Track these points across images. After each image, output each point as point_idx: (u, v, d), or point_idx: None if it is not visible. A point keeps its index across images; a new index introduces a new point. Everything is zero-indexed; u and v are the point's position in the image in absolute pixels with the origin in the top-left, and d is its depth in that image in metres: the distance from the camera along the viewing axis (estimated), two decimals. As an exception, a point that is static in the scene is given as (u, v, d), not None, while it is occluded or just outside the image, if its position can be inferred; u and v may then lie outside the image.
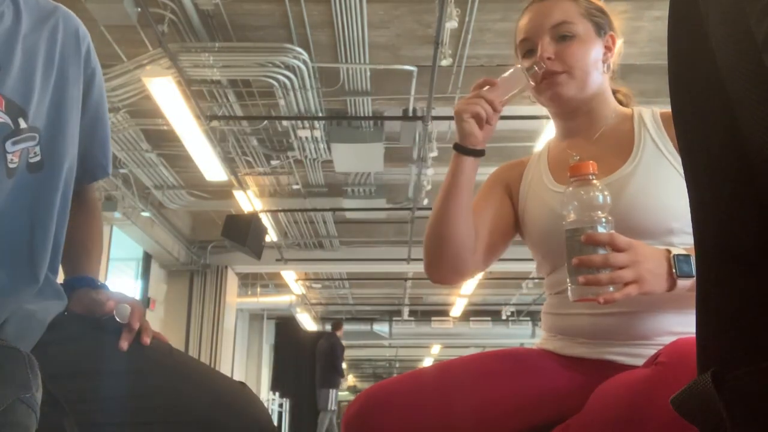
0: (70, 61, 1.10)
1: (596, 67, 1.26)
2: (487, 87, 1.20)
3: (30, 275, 0.97)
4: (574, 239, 1.03)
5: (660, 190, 1.14)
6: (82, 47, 1.14)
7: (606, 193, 1.07)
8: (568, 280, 1.04)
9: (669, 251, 1.03)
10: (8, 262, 0.95)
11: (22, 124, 0.97)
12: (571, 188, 1.08)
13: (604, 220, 1.04)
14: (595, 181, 1.08)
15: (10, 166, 0.94)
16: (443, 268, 1.26)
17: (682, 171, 1.14)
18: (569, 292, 1.04)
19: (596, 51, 1.26)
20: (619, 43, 1.31)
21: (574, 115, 1.30)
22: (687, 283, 1.02)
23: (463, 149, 1.23)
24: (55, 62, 1.07)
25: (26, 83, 0.99)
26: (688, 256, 1.02)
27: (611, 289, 0.99)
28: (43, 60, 1.04)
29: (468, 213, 1.24)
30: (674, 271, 1.01)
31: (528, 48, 1.28)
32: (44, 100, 1.02)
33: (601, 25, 1.28)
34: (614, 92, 1.36)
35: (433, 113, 5.41)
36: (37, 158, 0.99)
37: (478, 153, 1.24)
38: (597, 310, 1.13)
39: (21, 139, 0.96)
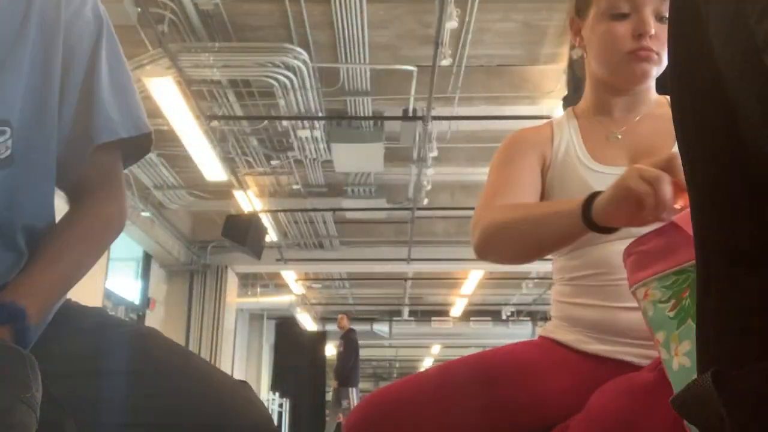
0: (52, 31, 0.94)
1: None
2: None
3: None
4: None
5: None
6: (66, 9, 0.96)
7: None
8: None
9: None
10: None
11: None
12: None
13: None
14: None
15: None
16: (509, 260, 1.22)
17: None
18: None
19: None
20: None
21: (627, 93, 1.25)
22: None
23: (603, 228, 1.03)
24: (29, 36, 0.92)
25: None
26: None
27: None
28: (11, 36, 0.90)
29: None
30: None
31: (624, 11, 1.17)
32: (16, 86, 0.90)
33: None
34: None
35: (433, 113, 5.41)
36: (7, 152, 0.89)
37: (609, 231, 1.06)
38: (617, 303, 1.10)
39: None
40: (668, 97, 1.24)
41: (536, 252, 1.16)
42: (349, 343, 9.64)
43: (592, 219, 0.99)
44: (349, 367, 9.41)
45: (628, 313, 1.09)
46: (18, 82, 0.90)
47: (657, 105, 1.26)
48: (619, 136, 1.23)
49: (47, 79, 0.93)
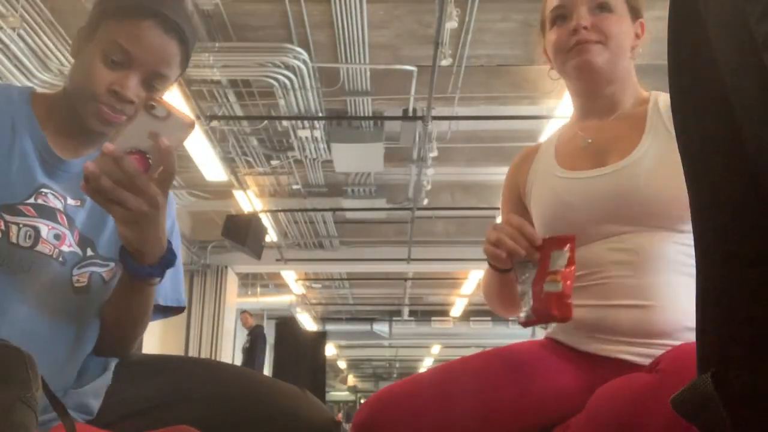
0: None
1: (627, 47, 1.23)
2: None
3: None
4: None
5: (670, 177, 1.10)
6: None
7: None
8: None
9: None
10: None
11: (89, 252, 1.10)
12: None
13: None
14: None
15: (76, 285, 1.07)
16: (509, 313, 1.34)
17: None
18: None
19: (629, 34, 1.23)
20: (646, 30, 1.28)
21: (596, 95, 1.26)
22: None
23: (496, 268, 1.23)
24: None
25: (99, 221, 1.11)
26: None
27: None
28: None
29: (513, 284, 1.27)
30: None
31: (560, 14, 1.23)
32: (114, 235, 1.10)
33: (635, 9, 1.24)
34: None
35: (433, 113, 5.41)
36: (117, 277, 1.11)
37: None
38: (608, 301, 1.12)
39: (87, 264, 1.09)
40: (655, 93, 1.25)
41: (500, 304, 1.33)
42: (256, 339, 9.68)
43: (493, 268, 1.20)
44: (258, 363, 9.52)
45: (620, 311, 1.11)
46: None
47: (637, 103, 1.26)
48: (590, 140, 1.25)
49: None
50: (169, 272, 1.10)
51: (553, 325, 1.24)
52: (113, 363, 1.17)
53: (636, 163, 1.15)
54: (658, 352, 1.06)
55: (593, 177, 1.19)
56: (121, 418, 1.07)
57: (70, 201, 1.10)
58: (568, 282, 1.03)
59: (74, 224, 1.09)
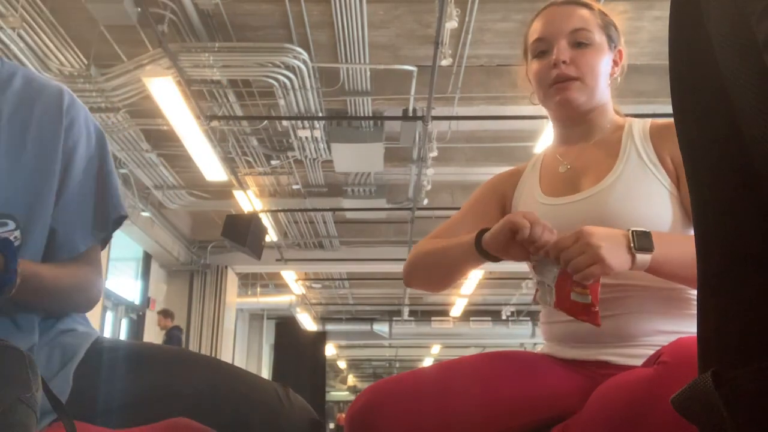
0: (47, 139, 1.10)
1: (605, 78, 1.27)
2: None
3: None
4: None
5: (640, 203, 1.15)
6: (63, 121, 1.12)
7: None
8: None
9: (627, 230, 1.04)
10: None
11: None
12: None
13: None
14: None
15: None
16: (426, 287, 1.36)
17: (665, 183, 1.17)
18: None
19: (607, 63, 1.27)
20: (624, 56, 1.33)
21: (574, 123, 1.30)
22: (647, 258, 1.03)
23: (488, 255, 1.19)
24: (27, 144, 1.07)
25: None
26: (647, 232, 1.03)
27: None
28: (12, 144, 1.05)
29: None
30: (632, 245, 1.02)
31: (542, 49, 1.27)
32: (13, 184, 1.04)
33: (613, 38, 1.28)
34: None
35: (433, 113, 5.42)
36: (17, 242, 1.04)
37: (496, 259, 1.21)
38: None
39: None
40: (630, 119, 1.28)
41: (445, 277, 1.31)
42: (171, 339, 9.64)
43: (483, 247, 1.15)
44: None
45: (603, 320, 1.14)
46: (19, 183, 1.06)
47: (614, 128, 1.29)
48: (568, 166, 1.28)
49: (46, 181, 1.09)
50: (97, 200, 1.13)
51: (545, 343, 1.30)
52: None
53: (606, 190, 1.19)
54: (635, 351, 1.11)
55: (568, 203, 1.23)
56: (97, 413, 1.02)
57: None
58: (597, 294, 1.05)
59: None
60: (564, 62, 1.23)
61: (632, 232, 1.02)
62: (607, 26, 1.28)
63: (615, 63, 1.29)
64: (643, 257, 1.02)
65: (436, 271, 1.31)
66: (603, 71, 1.25)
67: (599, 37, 1.25)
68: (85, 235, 1.16)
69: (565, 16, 1.26)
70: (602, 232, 1.03)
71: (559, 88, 1.24)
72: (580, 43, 1.24)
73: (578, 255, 1.01)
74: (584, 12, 1.27)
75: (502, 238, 1.10)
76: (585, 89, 1.24)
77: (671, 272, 1.06)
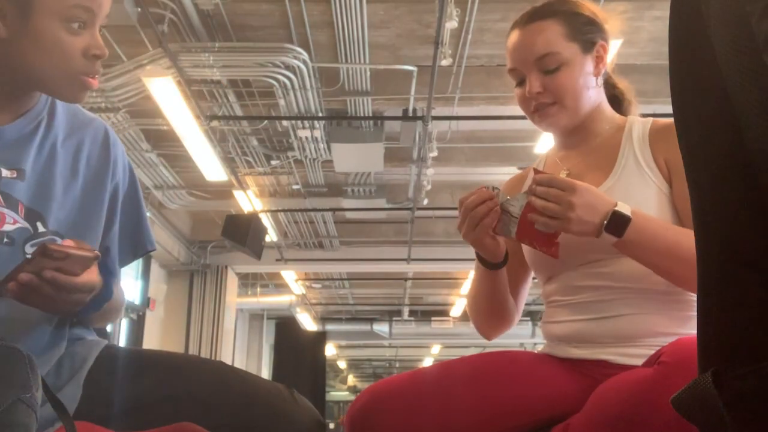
0: (96, 170, 1.17)
1: (588, 86, 1.23)
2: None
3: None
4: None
5: (634, 206, 1.13)
6: (110, 156, 1.19)
7: None
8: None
9: (616, 204, 1.05)
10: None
11: (40, 228, 1.05)
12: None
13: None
14: None
15: None
16: (495, 330, 1.36)
17: (662, 187, 1.17)
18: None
19: (586, 71, 1.23)
20: (617, 43, 1.31)
21: (570, 133, 1.30)
22: (612, 239, 1.05)
23: (487, 263, 1.25)
24: (80, 171, 1.13)
25: (45, 191, 1.07)
26: (627, 217, 1.04)
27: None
28: (67, 169, 1.12)
29: (505, 289, 1.30)
30: (604, 222, 1.04)
31: (518, 78, 1.26)
32: (65, 206, 1.09)
33: (588, 40, 1.24)
34: (613, 87, 1.35)
35: (433, 113, 5.41)
36: None
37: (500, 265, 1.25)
38: (585, 316, 1.18)
39: (40, 240, 1.04)
40: (631, 118, 1.28)
41: (492, 305, 1.32)
42: None
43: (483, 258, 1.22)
44: None
45: (596, 322, 1.17)
46: (70, 207, 1.11)
47: (614, 130, 1.28)
48: (568, 172, 1.29)
49: (94, 209, 1.16)
50: (129, 227, 1.19)
51: (545, 343, 1.31)
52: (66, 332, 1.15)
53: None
54: (633, 351, 1.11)
55: None
56: (106, 417, 1.04)
57: (4, 173, 1.02)
58: (557, 234, 1.08)
59: (13, 199, 1.02)
60: (538, 93, 1.22)
61: (613, 212, 1.04)
62: (578, 29, 1.23)
63: (599, 60, 1.25)
64: (608, 236, 1.05)
65: (480, 306, 1.33)
66: (581, 85, 1.22)
67: (569, 51, 1.21)
68: (123, 263, 1.26)
69: (528, 43, 1.23)
70: (590, 199, 1.04)
71: (541, 115, 1.25)
72: (548, 70, 1.21)
73: (553, 201, 1.04)
74: (549, 29, 1.22)
75: (475, 236, 1.14)
76: (565, 111, 1.23)
77: (643, 258, 1.08)
